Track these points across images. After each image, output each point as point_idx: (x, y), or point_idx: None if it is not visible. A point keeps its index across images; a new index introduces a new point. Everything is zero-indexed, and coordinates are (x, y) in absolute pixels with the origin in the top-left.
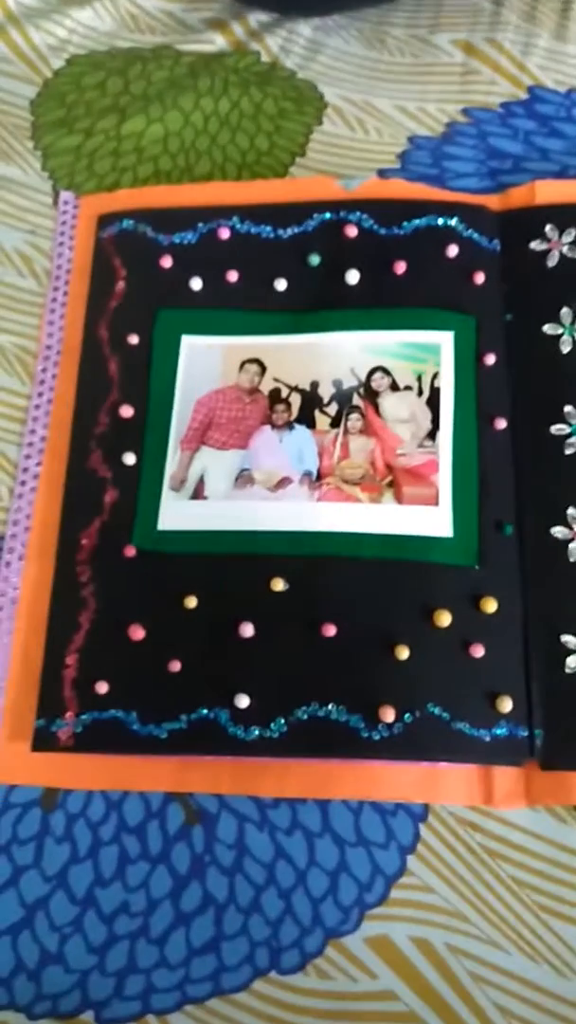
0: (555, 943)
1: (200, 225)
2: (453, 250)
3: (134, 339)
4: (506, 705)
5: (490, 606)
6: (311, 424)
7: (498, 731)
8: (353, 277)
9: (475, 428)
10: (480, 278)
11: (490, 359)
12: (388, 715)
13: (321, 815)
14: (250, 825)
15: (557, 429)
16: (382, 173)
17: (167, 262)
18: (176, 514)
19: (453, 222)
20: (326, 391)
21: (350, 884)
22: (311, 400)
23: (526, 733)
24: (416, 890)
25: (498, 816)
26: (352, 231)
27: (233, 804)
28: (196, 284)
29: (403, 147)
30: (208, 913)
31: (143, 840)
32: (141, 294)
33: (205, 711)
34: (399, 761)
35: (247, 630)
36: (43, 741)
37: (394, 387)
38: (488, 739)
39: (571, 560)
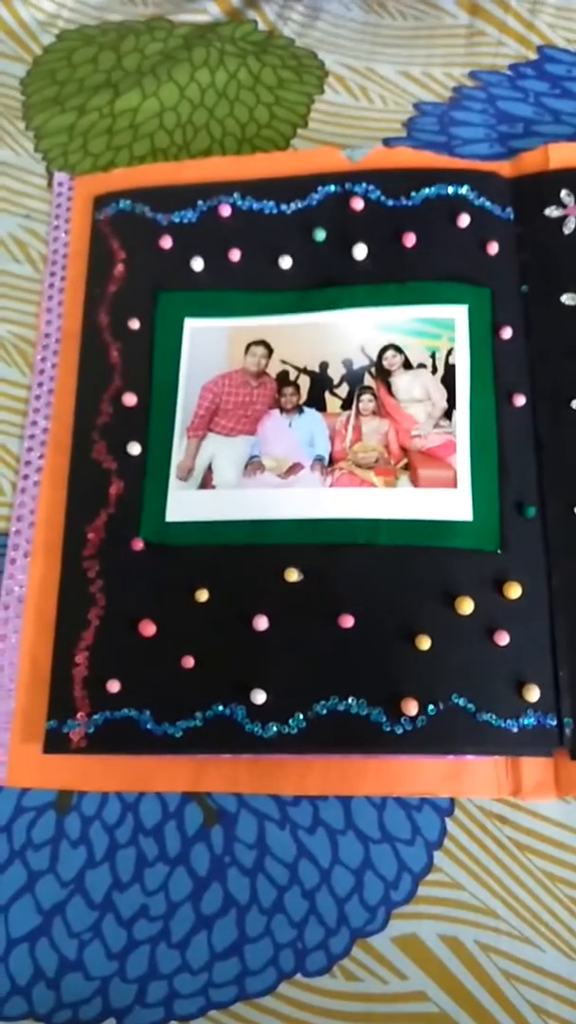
0: None
1: (200, 203)
2: (464, 220)
3: (135, 324)
4: (533, 694)
5: (513, 591)
6: (321, 407)
7: (525, 721)
8: (361, 251)
9: (493, 406)
10: (494, 248)
11: (507, 333)
12: (411, 708)
13: (344, 812)
14: (271, 824)
15: None
16: (388, 142)
17: (167, 242)
18: (184, 504)
19: (464, 190)
20: (336, 372)
21: (376, 882)
22: (321, 382)
23: (554, 722)
24: (444, 887)
25: (527, 808)
26: (358, 203)
27: (253, 802)
28: (198, 264)
29: (409, 114)
30: (230, 915)
31: (161, 842)
32: (141, 277)
33: (221, 708)
34: (423, 755)
35: (261, 623)
36: (55, 743)
37: (407, 365)
38: (515, 730)
39: None
